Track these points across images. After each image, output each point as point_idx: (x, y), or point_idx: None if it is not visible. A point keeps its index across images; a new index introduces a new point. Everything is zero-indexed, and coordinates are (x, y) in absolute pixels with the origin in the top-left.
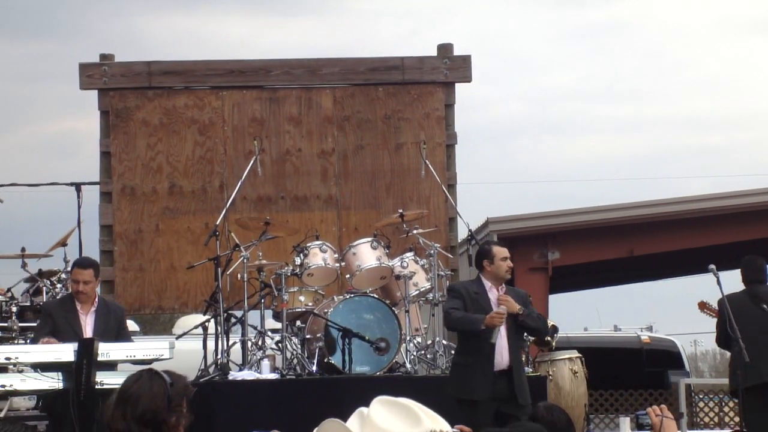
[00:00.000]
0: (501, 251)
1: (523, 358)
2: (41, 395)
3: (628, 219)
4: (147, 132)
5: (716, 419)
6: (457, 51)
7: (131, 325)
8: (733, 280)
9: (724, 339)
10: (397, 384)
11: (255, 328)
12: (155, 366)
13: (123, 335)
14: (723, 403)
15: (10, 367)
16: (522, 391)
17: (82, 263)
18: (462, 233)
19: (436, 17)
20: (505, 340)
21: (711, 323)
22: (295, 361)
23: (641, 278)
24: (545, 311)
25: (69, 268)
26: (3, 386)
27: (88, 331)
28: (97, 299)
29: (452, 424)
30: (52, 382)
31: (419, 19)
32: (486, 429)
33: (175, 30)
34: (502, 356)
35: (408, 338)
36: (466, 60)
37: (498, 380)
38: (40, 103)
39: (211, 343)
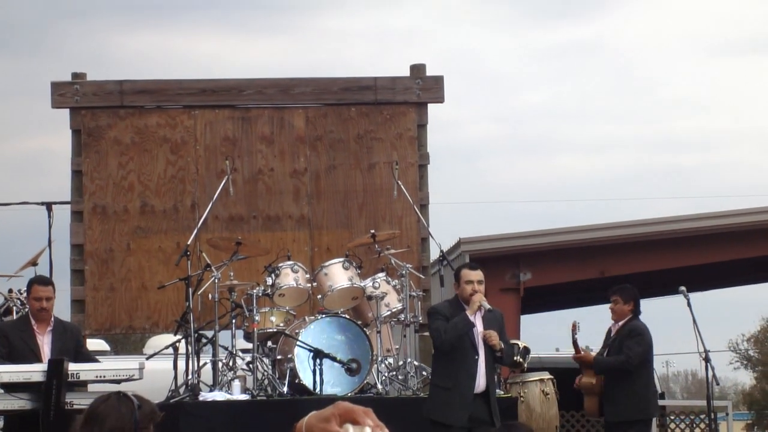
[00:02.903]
0: (467, 274)
1: (495, 380)
2: (5, 419)
3: (600, 240)
4: (119, 151)
5: None
6: (429, 71)
7: (101, 345)
8: (703, 302)
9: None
10: (368, 405)
11: (226, 348)
12: (124, 387)
13: (83, 354)
14: (694, 425)
15: None
16: (496, 413)
17: (43, 280)
18: (434, 254)
19: (407, 37)
20: (483, 365)
21: (683, 344)
22: (266, 381)
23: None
24: (517, 332)
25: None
26: None
27: (45, 351)
28: (53, 319)
29: None
30: (21, 402)
31: (390, 39)
32: None
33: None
34: (479, 380)
35: (379, 359)
36: (438, 80)
37: (475, 403)
38: (11, 121)
39: (181, 364)
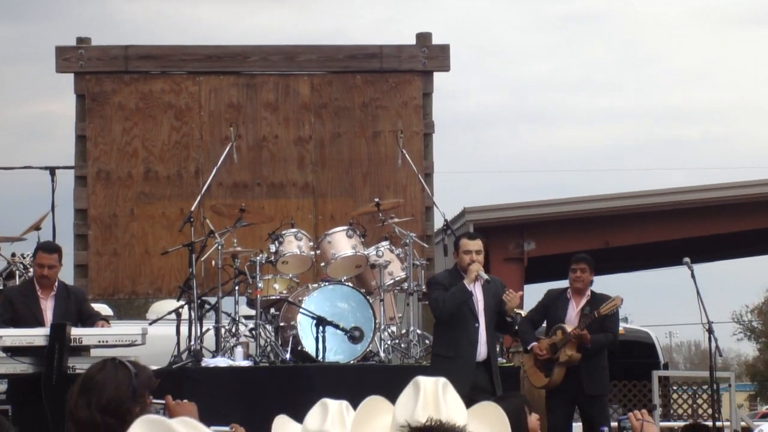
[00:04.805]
0: (466, 244)
1: (498, 349)
2: (8, 382)
3: (604, 210)
4: (123, 116)
5: (690, 411)
6: (436, 40)
7: (104, 310)
8: (707, 273)
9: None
10: (371, 373)
11: (229, 315)
12: (127, 352)
13: (89, 317)
14: (697, 395)
15: None
16: (498, 382)
17: (47, 247)
18: (438, 223)
19: (414, 5)
20: (483, 333)
21: (687, 315)
22: (269, 348)
23: (616, 270)
24: (521, 302)
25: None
26: None
27: (48, 316)
28: (57, 283)
29: None
30: (24, 366)
31: (397, 6)
32: None
33: (151, 13)
34: (480, 348)
35: (382, 327)
36: (444, 49)
37: (477, 371)
38: (15, 86)
39: (184, 329)
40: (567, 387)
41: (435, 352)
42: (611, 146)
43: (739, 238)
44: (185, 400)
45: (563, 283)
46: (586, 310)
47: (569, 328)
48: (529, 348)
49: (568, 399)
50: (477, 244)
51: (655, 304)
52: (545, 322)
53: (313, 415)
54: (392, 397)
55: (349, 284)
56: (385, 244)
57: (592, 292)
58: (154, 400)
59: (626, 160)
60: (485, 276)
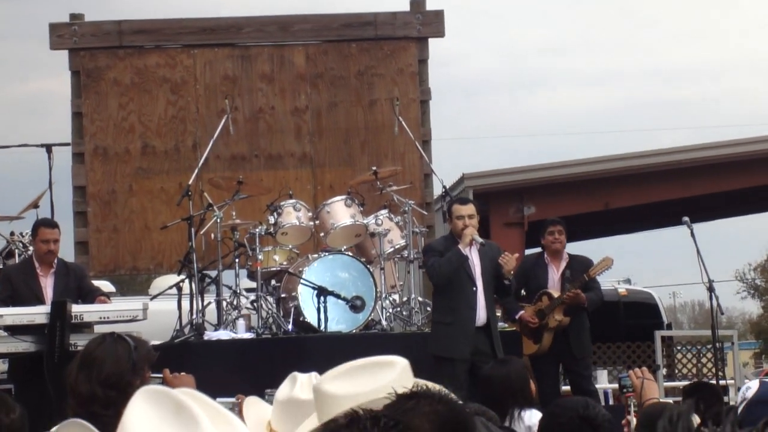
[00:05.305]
0: (457, 209)
1: (499, 313)
2: (10, 361)
3: (604, 172)
4: (118, 92)
5: (694, 370)
6: (430, 5)
7: (107, 286)
8: (709, 232)
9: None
10: (373, 341)
11: (230, 287)
12: (129, 328)
13: (89, 293)
14: (701, 354)
15: None
16: (499, 345)
17: (49, 223)
18: (437, 190)
19: None
20: (482, 297)
21: (690, 275)
22: (271, 320)
23: (618, 231)
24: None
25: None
26: None
27: (48, 293)
28: (56, 261)
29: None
30: (25, 345)
31: None
32: None
33: None
34: (479, 312)
35: (383, 296)
36: (438, 15)
37: (477, 336)
38: (10, 63)
39: (186, 304)
40: (554, 351)
41: (435, 319)
42: (609, 108)
43: (739, 195)
44: (182, 373)
45: (570, 246)
46: (567, 273)
47: (556, 293)
48: (516, 317)
49: (556, 363)
50: (468, 209)
51: (658, 264)
52: (523, 290)
53: (283, 386)
54: None
55: (349, 253)
56: (384, 212)
57: (569, 254)
58: (152, 374)
59: (625, 120)
60: (480, 240)
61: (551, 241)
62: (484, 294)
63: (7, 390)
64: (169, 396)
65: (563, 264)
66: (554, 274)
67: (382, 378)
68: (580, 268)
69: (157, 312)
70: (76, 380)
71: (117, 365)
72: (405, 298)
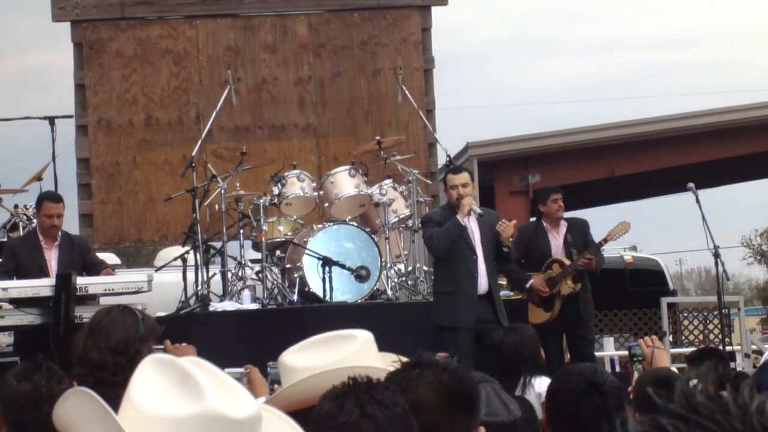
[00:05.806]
0: (451, 179)
1: (504, 282)
2: (15, 333)
3: (608, 139)
4: (121, 63)
5: (701, 337)
6: None
7: (112, 258)
8: (715, 198)
9: None
10: (379, 311)
11: (234, 258)
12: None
13: (93, 266)
14: (708, 321)
15: None
16: (503, 312)
17: (53, 197)
18: (441, 159)
19: None
20: (483, 265)
21: (697, 241)
22: (276, 290)
23: (623, 198)
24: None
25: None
26: None
27: (53, 266)
28: (60, 233)
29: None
30: (31, 317)
31: None
32: None
33: None
34: (480, 280)
35: (388, 265)
36: None
37: (480, 304)
38: (12, 36)
39: (191, 275)
40: (562, 318)
41: (437, 289)
42: (614, 75)
43: (745, 161)
44: (184, 344)
45: (570, 214)
46: (569, 237)
47: (567, 261)
48: (527, 286)
49: (561, 331)
50: (461, 177)
51: (665, 231)
52: (523, 259)
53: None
54: (402, 334)
55: (354, 223)
56: (388, 182)
57: (566, 219)
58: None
59: (630, 87)
60: (478, 210)
61: (555, 208)
62: (485, 262)
63: (12, 363)
64: (176, 364)
65: (563, 229)
66: (556, 240)
67: (342, 351)
68: (580, 231)
69: (162, 284)
70: (84, 347)
71: (126, 333)
72: (410, 268)
